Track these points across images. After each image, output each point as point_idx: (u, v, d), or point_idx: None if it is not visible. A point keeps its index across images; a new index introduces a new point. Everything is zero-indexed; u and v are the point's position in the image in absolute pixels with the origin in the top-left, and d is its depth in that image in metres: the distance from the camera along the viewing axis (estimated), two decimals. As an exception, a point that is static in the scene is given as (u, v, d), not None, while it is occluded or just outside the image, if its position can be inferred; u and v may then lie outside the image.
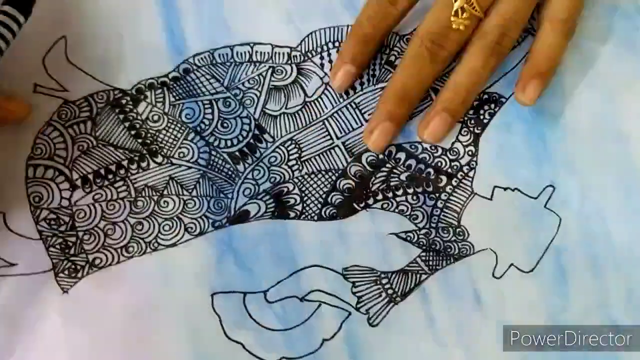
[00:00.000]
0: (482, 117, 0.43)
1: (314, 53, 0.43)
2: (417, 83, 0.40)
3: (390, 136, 0.40)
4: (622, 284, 0.40)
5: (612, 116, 0.43)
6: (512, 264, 0.40)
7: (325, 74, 0.42)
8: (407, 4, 0.41)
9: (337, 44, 0.43)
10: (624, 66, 0.44)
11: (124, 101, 0.41)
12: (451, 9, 0.39)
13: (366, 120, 0.42)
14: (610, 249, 0.40)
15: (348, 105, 0.42)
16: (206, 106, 0.42)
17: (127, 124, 0.41)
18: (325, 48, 0.43)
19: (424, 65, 0.40)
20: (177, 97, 0.42)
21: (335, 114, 0.42)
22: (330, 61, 0.43)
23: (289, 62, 0.43)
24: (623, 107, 0.43)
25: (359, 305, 0.39)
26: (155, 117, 0.41)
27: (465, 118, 0.42)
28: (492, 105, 0.43)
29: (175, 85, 0.42)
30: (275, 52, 0.43)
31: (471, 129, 0.43)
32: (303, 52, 0.43)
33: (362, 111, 0.42)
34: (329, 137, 0.42)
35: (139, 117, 0.41)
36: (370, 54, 0.42)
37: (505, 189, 0.41)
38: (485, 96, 0.43)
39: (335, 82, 0.41)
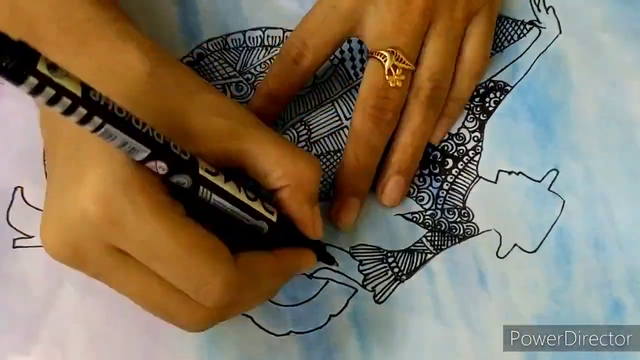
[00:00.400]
0: (487, 104, 0.44)
1: (324, 38, 0.44)
2: (370, 153, 0.40)
3: (358, 210, 0.40)
4: (625, 263, 0.41)
5: (618, 102, 0.44)
6: (515, 244, 0.41)
7: (335, 56, 0.43)
8: (310, 62, 0.40)
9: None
10: (630, 53, 0.45)
11: (139, 83, 0.42)
12: (383, 70, 0.39)
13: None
14: (614, 231, 0.41)
15: (357, 86, 0.43)
16: (219, 90, 0.43)
17: (142, 106, 0.42)
18: (335, 34, 0.44)
19: (372, 135, 0.39)
20: (190, 81, 0.43)
21: (345, 95, 0.43)
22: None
23: (300, 45, 0.44)
24: (629, 93, 0.44)
25: (365, 283, 0.40)
26: (169, 100, 0.42)
27: (472, 105, 0.43)
28: (498, 94, 0.44)
29: (189, 69, 0.43)
30: (287, 36, 0.44)
31: (477, 115, 0.43)
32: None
33: (372, 93, 0.43)
34: (338, 118, 0.43)
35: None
36: (277, 109, 0.41)
37: (509, 172, 0.42)
38: (491, 84, 0.44)
39: None
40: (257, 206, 0.32)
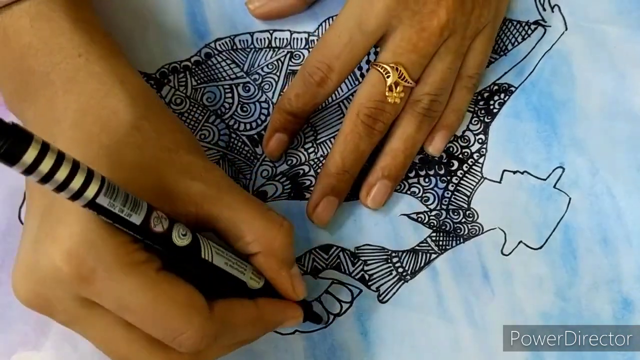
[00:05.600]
0: (492, 107, 0.44)
1: (330, 40, 0.44)
2: (355, 158, 0.40)
3: (334, 209, 0.40)
4: (635, 259, 0.41)
5: (623, 96, 0.43)
6: (521, 242, 0.41)
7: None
8: (336, 83, 0.40)
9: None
10: (635, 45, 0.44)
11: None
12: (384, 84, 0.39)
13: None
14: (621, 225, 0.41)
15: (363, 89, 0.43)
16: (227, 90, 0.43)
17: (150, 106, 0.43)
18: (341, 35, 0.44)
19: (361, 140, 0.39)
20: (199, 81, 0.43)
21: (351, 97, 0.43)
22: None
23: (307, 46, 0.44)
24: (634, 86, 0.43)
25: (369, 283, 0.41)
26: (178, 100, 0.43)
27: (476, 108, 0.44)
28: (502, 95, 0.44)
29: (197, 69, 0.44)
30: (294, 38, 0.44)
31: (481, 118, 0.44)
32: (320, 36, 0.44)
33: (377, 94, 0.43)
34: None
35: (162, 100, 0.43)
36: (299, 125, 0.42)
37: (514, 172, 0.42)
38: (495, 87, 0.44)
39: (268, 149, 0.42)
40: (245, 277, 0.33)
